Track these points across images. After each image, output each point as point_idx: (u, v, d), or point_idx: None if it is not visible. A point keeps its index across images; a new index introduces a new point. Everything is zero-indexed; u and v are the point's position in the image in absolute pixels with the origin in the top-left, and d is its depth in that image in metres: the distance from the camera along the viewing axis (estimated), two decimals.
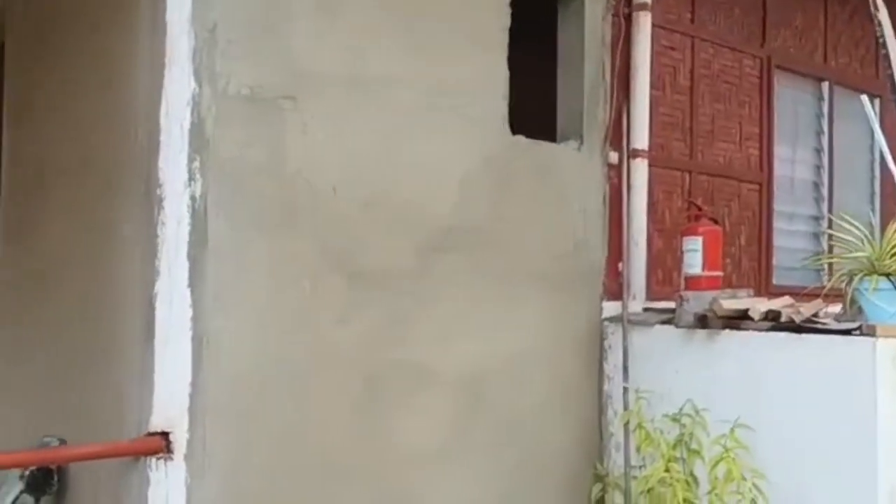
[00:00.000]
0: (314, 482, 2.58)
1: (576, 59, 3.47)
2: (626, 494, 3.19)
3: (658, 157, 3.84)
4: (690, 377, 3.14)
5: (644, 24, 3.69)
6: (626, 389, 3.29)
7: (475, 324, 2.99)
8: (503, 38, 3.12)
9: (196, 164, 2.37)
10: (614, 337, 3.41)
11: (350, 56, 2.69)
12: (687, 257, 3.51)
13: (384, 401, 2.76)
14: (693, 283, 3.45)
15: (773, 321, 3.00)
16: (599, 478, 3.35)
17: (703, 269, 3.46)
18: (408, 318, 2.81)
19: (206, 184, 2.38)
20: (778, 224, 4.54)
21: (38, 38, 3.54)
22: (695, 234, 3.51)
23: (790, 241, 4.67)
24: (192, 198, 2.37)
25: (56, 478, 2.82)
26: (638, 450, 3.19)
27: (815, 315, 3.02)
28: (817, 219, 4.87)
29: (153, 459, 2.34)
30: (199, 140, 2.37)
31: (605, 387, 3.42)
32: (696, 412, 3.05)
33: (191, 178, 2.37)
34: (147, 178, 2.44)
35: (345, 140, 2.67)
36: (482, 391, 3.02)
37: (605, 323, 3.45)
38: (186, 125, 2.37)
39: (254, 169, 2.47)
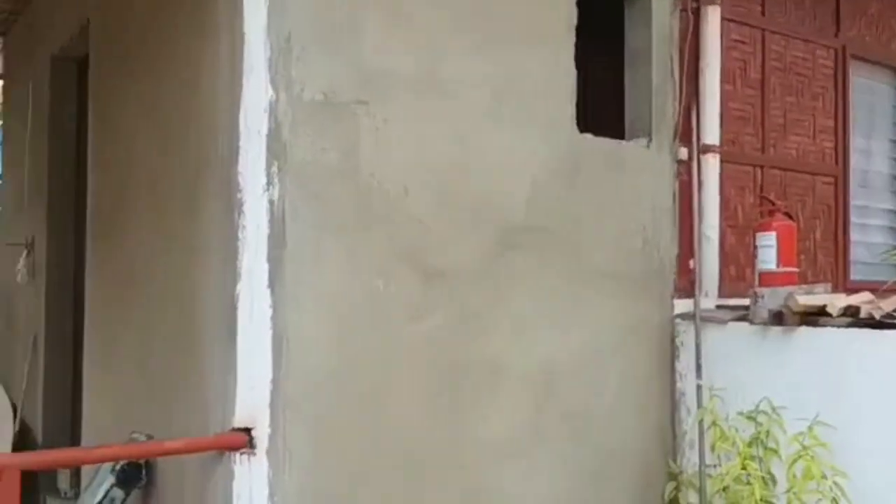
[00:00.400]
0: (391, 476, 2.64)
1: (643, 55, 3.45)
2: (701, 493, 3.16)
3: (729, 153, 3.79)
4: (766, 374, 3.09)
5: (713, 18, 3.65)
6: (699, 387, 3.26)
7: (546, 321, 3.01)
8: (570, 36, 3.13)
9: (274, 168, 2.45)
10: (686, 334, 3.37)
11: (419, 58, 2.74)
12: (760, 253, 3.46)
13: (458, 397, 2.80)
14: (767, 279, 3.40)
15: (853, 317, 2.93)
16: (673, 476, 3.33)
17: (778, 264, 3.40)
18: (480, 316, 2.84)
19: (284, 188, 2.45)
20: (854, 218, 4.43)
21: (121, 50, 3.69)
22: (768, 229, 3.46)
23: (867, 235, 4.55)
24: (271, 202, 2.45)
25: (144, 472, 2.94)
26: (712, 448, 3.16)
27: None
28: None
29: (237, 454, 2.42)
30: (276, 145, 2.45)
31: (678, 384, 3.39)
32: (773, 409, 3.01)
33: (269, 183, 2.45)
34: (227, 184, 2.53)
35: (416, 141, 2.72)
36: (554, 387, 3.03)
37: (677, 320, 3.43)
38: (264, 131, 2.45)
39: (329, 172, 2.54)
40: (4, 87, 7.25)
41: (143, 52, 3.38)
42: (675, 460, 3.36)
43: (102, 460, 2.79)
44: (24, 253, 5.35)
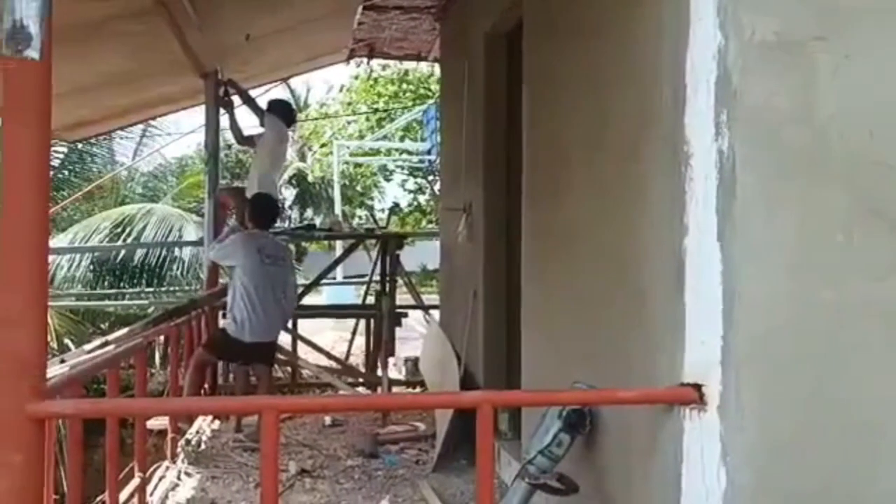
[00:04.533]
0: (845, 442, 2.41)
1: None
2: None
3: None
4: None
5: None
6: None
7: None
8: None
9: (723, 117, 2.36)
10: None
11: None
12: None
13: None
14: None
15: None
16: None
17: None
18: None
19: (733, 137, 2.35)
20: None
21: (553, 18, 3.87)
22: None
23: None
24: (720, 152, 2.37)
25: (589, 419, 3.08)
26: None
27: None
28: None
29: (686, 409, 2.41)
30: (725, 93, 2.36)
31: None
32: None
33: (717, 133, 2.37)
34: (673, 137, 2.50)
35: (882, 77, 2.41)
36: None
37: None
38: (712, 79, 2.37)
39: (781, 118, 2.38)
40: (441, 68, 8.10)
41: (575, 17, 3.50)
42: None
43: (562, 403, 2.98)
44: (463, 216, 5.94)
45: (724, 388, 2.36)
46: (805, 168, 2.40)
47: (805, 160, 2.40)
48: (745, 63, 2.35)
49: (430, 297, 9.62)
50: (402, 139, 25.21)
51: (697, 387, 2.40)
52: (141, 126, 16.01)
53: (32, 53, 2.10)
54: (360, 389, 7.87)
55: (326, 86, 29.38)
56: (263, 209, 6.39)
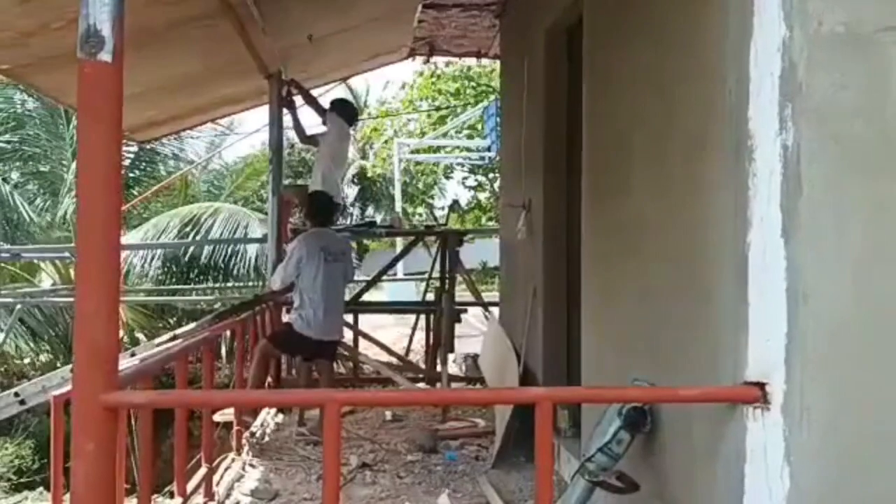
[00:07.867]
0: None
1: None
2: None
3: None
4: None
5: None
6: None
7: None
8: None
9: (787, 111, 2.32)
10: None
11: None
12: None
13: None
14: None
15: None
16: None
17: None
18: None
19: (799, 131, 2.31)
20: None
21: (615, 12, 3.83)
22: None
23: None
24: (784, 146, 2.33)
25: (649, 418, 3.05)
26: None
27: None
28: None
29: (750, 408, 2.37)
30: (790, 86, 2.31)
31: None
32: None
33: (782, 127, 2.33)
34: (736, 132, 2.45)
35: None
36: None
37: None
38: (777, 72, 2.33)
39: (849, 112, 2.33)
40: (501, 65, 8.10)
41: (638, 11, 3.46)
42: None
43: (623, 401, 2.96)
44: (523, 213, 5.93)
45: (788, 386, 2.32)
46: (873, 163, 2.34)
47: (873, 155, 2.34)
48: (811, 55, 2.31)
49: (490, 295, 9.62)
50: (469, 136, 25.19)
51: (761, 385, 2.36)
52: (217, 126, 16.40)
53: (105, 57, 2.18)
54: (420, 385, 7.92)
55: (387, 84, 29.58)
56: (319, 207, 6.49)
